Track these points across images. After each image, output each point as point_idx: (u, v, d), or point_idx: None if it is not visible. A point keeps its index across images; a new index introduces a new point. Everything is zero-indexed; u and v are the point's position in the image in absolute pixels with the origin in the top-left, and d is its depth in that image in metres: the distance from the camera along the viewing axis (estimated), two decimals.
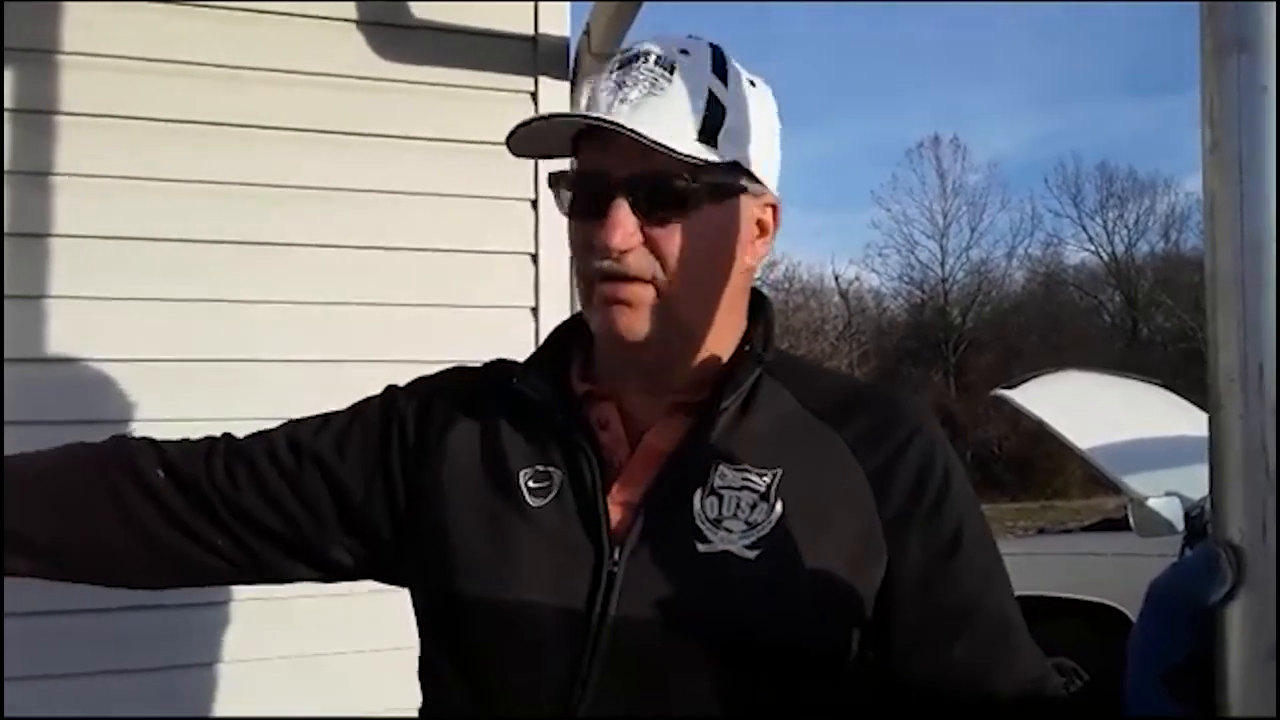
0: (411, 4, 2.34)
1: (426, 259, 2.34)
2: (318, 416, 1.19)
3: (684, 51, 1.04)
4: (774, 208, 1.10)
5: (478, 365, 1.22)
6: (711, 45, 1.07)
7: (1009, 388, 7.01)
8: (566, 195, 1.05)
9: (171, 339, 2.15)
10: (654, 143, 0.97)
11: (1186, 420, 6.54)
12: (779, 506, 1.00)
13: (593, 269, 1.02)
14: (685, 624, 0.97)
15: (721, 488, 1.01)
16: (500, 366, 1.20)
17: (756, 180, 1.07)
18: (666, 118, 0.99)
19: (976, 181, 38.21)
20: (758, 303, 1.13)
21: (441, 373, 1.22)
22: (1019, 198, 45.82)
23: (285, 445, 1.14)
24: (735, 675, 0.97)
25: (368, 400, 1.20)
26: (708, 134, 1.01)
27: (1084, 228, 34.06)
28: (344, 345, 2.26)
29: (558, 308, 2.36)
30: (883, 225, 35.99)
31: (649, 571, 0.99)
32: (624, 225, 0.99)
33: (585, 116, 1.00)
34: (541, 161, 2.38)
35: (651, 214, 1.01)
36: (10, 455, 1.15)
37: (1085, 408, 6.66)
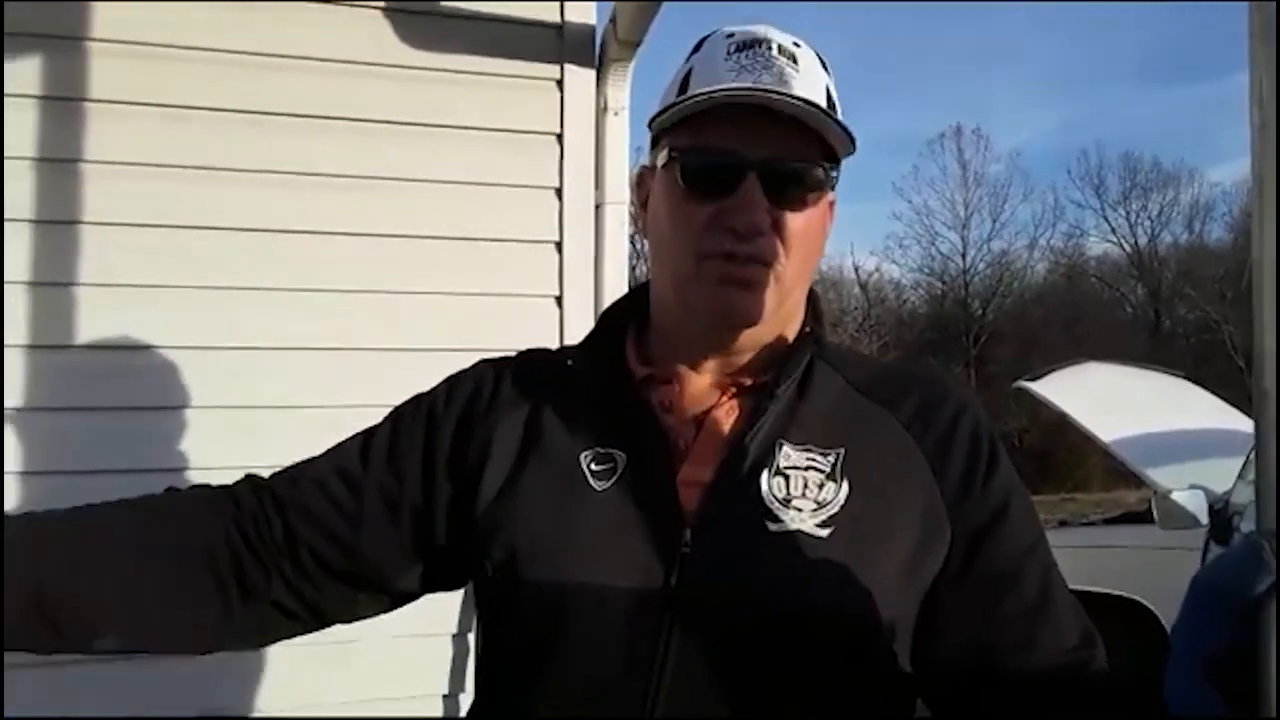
0: None
1: (450, 247, 2.34)
2: (357, 440, 1.15)
3: (796, 44, 1.06)
4: (832, 204, 1.11)
5: (508, 355, 1.20)
6: (811, 46, 1.08)
7: (1032, 380, 7.00)
8: (680, 170, 1.03)
9: (194, 326, 2.16)
10: (843, 127, 0.99)
11: (1210, 413, 6.51)
12: (846, 486, 1.00)
13: (715, 248, 1.01)
14: (762, 603, 0.97)
15: (787, 468, 1.02)
16: (537, 355, 1.20)
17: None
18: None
19: (998, 172, 38.08)
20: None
21: (477, 365, 1.19)
22: (1041, 188, 45.37)
23: (344, 489, 1.10)
24: (812, 652, 0.97)
25: (404, 407, 1.17)
26: None
27: (1106, 219, 33.81)
28: (369, 333, 2.26)
29: (581, 297, 2.36)
30: (903, 216, 35.82)
31: (722, 552, 0.98)
32: (761, 207, 0.99)
33: (775, 91, 0.98)
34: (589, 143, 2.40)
35: (784, 199, 1.01)
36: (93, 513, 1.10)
37: (1108, 400, 6.65)
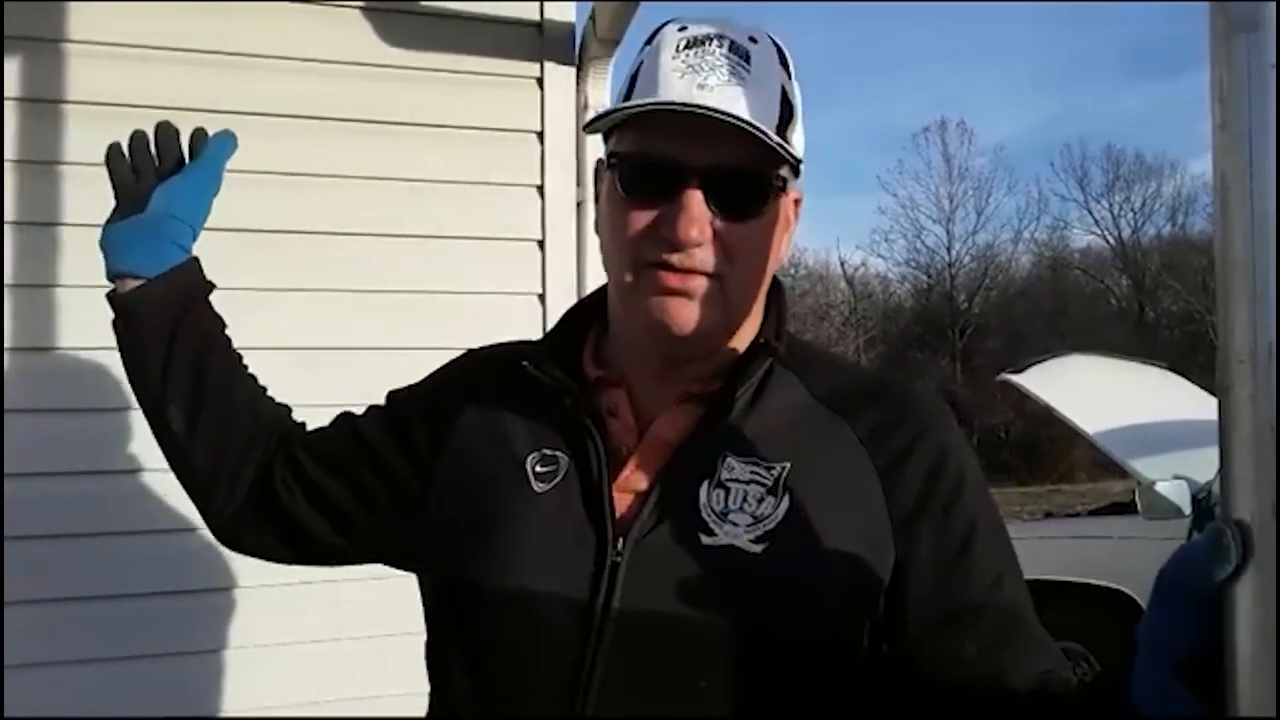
0: None
1: (432, 245, 2.34)
2: (351, 416, 1.26)
3: (752, 40, 1.00)
4: (797, 202, 1.08)
5: (492, 346, 1.21)
6: (770, 37, 1.03)
7: (1016, 372, 7.01)
8: (619, 176, 1.00)
9: None
10: (780, 144, 0.95)
11: (1193, 404, 6.54)
12: (787, 500, 0.97)
13: (653, 257, 0.97)
14: (690, 617, 0.95)
15: (729, 480, 0.99)
16: (500, 350, 1.19)
17: (798, 175, 1.06)
18: (754, 109, 0.95)
19: (982, 165, 38.20)
20: (772, 290, 1.10)
21: (456, 359, 1.21)
22: (1025, 181, 45.69)
23: (352, 434, 1.21)
24: (740, 669, 0.95)
25: (382, 403, 1.24)
26: (781, 130, 0.98)
27: (1090, 211, 33.93)
28: (350, 332, 2.27)
29: (564, 294, 2.36)
30: (889, 210, 35.98)
31: (653, 563, 0.96)
32: (700, 218, 0.95)
33: (699, 107, 0.93)
34: (556, 147, 2.40)
35: (728, 209, 0.97)
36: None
37: (1092, 392, 6.67)
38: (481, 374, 1.16)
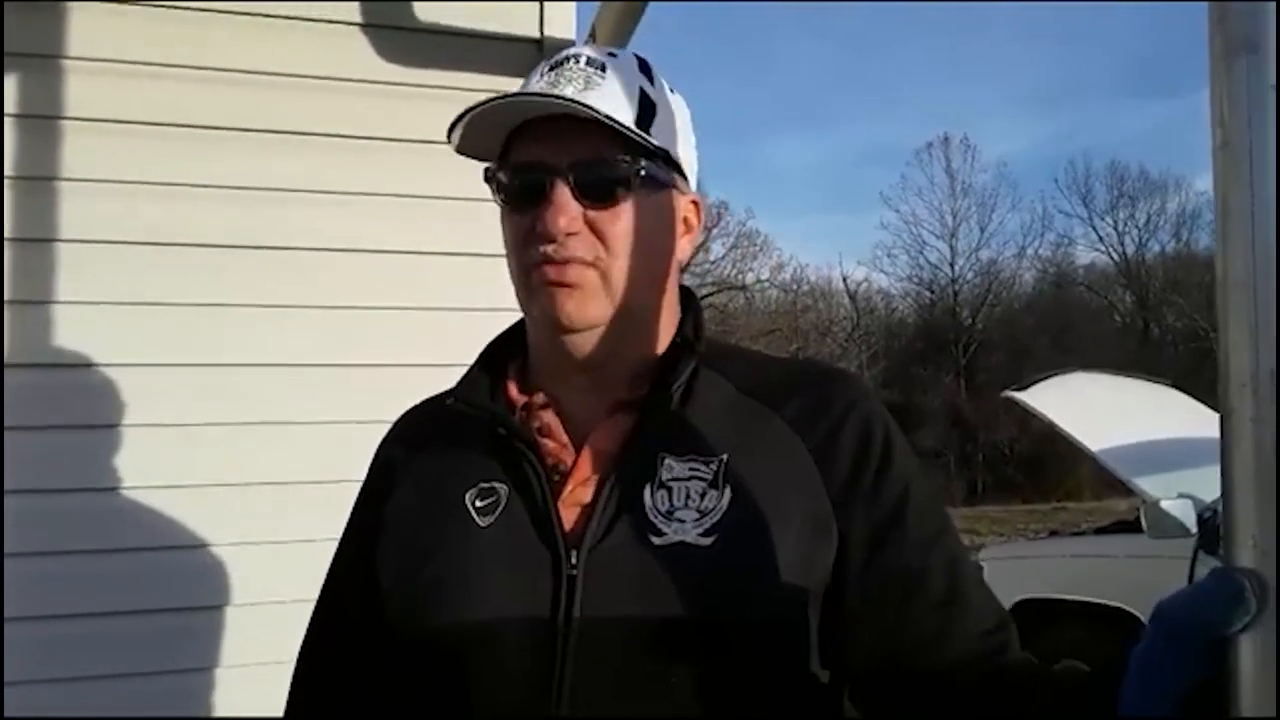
0: (415, 5, 2.34)
1: (435, 262, 2.34)
2: (332, 584, 1.21)
3: (611, 54, 1.08)
4: (697, 205, 1.13)
5: (398, 418, 1.23)
6: (636, 55, 1.11)
7: (1020, 389, 7.00)
8: (500, 192, 1.06)
9: (170, 342, 2.16)
10: (606, 116, 0.99)
11: (1198, 421, 6.52)
12: (728, 491, 1.00)
13: (534, 257, 1.02)
14: (650, 617, 0.97)
15: (670, 480, 1.01)
16: (421, 407, 1.22)
17: (684, 176, 1.10)
18: (606, 106, 1.00)
19: (986, 181, 38.40)
20: (686, 298, 1.15)
21: (396, 421, 1.23)
22: (1029, 198, 45.94)
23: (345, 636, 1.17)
24: (705, 661, 0.97)
25: (345, 530, 1.20)
26: (642, 126, 1.04)
27: (1094, 228, 34.07)
28: (350, 349, 2.26)
29: None
30: (891, 226, 36.13)
31: (608, 570, 0.98)
32: (568, 209, 1.00)
33: (540, 94, 1.01)
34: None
35: (593, 197, 1.02)
36: None
37: (1096, 409, 6.66)
38: (410, 428, 1.19)
